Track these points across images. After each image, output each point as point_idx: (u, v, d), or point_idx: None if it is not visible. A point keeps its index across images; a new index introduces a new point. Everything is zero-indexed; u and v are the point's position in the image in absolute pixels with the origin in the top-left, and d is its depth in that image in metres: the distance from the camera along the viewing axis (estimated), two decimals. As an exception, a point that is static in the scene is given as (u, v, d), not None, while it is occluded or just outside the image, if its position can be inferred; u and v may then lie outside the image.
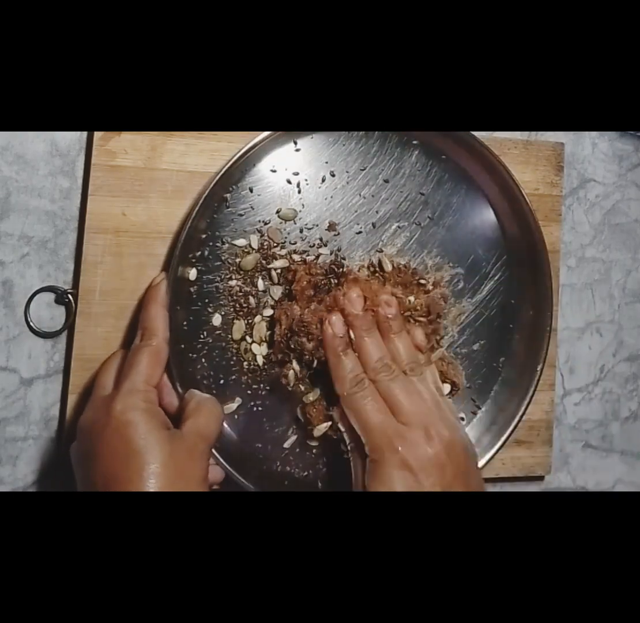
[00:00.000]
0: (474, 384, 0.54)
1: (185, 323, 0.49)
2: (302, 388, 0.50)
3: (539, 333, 0.54)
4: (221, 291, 0.50)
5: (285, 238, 0.51)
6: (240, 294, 0.50)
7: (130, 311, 0.49)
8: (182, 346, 0.48)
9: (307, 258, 0.51)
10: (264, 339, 0.50)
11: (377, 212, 0.52)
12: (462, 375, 0.53)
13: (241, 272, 0.50)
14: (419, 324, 0.50)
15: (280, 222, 0.51)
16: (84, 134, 0.50)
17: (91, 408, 0.44)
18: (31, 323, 0.49)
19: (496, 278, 0.54)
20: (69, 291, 0.49)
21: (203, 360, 0.49)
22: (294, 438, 0.51)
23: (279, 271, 0.50)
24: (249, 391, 0.50)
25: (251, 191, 0.50)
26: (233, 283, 0.50)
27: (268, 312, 0.50)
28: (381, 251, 0.52)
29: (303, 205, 0.51)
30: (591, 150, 0.61)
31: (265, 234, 0.50)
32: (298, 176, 0.51)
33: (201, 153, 0.50)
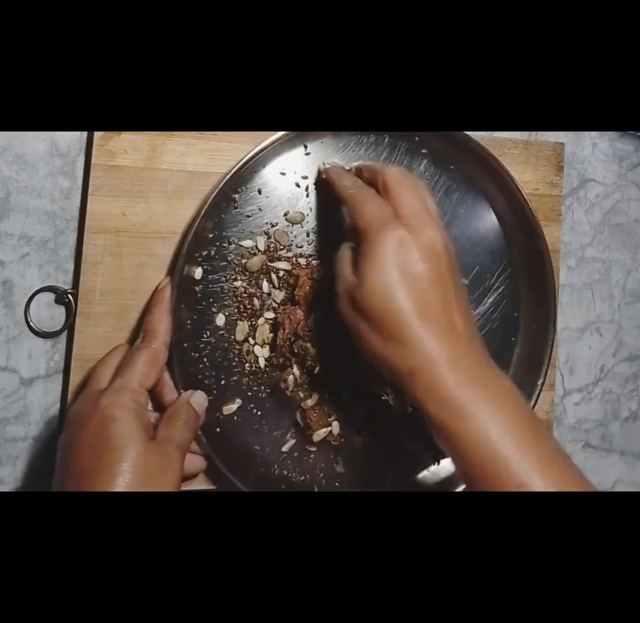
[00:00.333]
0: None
1: (188, 321, 0.49)
2: (301, 394, 0.50)
3: (541, 347, 0.53)
4: (226, 291, 0.50)
5: (292, 241, 0.51)
6: (245, 295, 0.50)
7: (130, 311, 0.49)
8: (185, 344, 0.48)
9: (313, 261, 0.51)
10: (266, 341, 0.50)
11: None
12: None
13: (246, 273, 0.50)
14: None
15: (288, 225, 0.51)
16: (84, 134, 0.50)
17: (81, 400, 0.44)
18: (31, 323, 0.49)
19: (500, 290, 0.54)
20: (69, 291, 0.49)
21: (205, 360, 0.49)
22: (292, 442, 0.51)
23: (280, 274, 0.50)
24: (249, 393, 0.50)
25: (260, 192, 0.50)
26: (238, 283, 0.50)
27: (270, 315, 0.50)
28: None
29: (311, 209, 0.51)
30: (591, 150, 0.61)
31: (272, 237, 0.50)
32: (307, 180, 0.51)
33: (201, 153, 0.50)
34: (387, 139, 0.52)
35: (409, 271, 0.40)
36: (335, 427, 0.51)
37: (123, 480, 0.39)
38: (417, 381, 0.40)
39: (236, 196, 0.49)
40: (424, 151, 0.53)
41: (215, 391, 0.49)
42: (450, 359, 0.40)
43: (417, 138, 0.52)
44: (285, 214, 0.50)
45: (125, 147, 0.49)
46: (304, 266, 0.50)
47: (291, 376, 0.49)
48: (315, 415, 0.50)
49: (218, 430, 0.49)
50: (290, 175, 0.51)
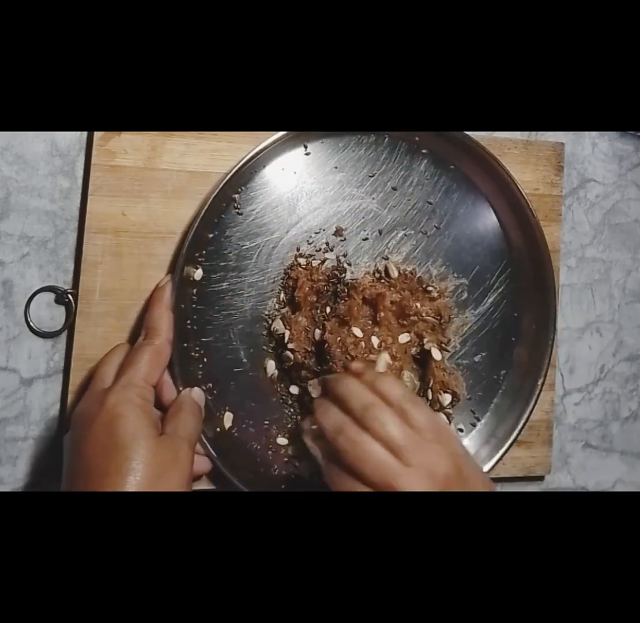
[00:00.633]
0: (475, 396, 0.54)
1: (188, 322, 0.49)
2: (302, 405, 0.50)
3: (541, 347, 0.53)
4: (226, 292, 0.50)
5: (292, 241, 0.51)
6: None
7: (130, 311, 0.49)
8: (185, 345, 0.48)
9: (313, 261, 0.51)
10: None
11: (384, 219, 0.52)
12: (463, 386, 0.53)
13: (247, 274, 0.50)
14: (428, 327, 0.50)
15: (289, 226, 0.51)
16: (84, 134, 0.50)
17: (86, 399, 0.44)
18: (31, 323, 0.49)
19: (500, 290, 0.54)
20: (69, 291, 0.49)
21: (205, 360, 0.49)
22: (293, 442, 0.51)
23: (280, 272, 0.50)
24: (250, 393, 0.50)
25: (260, 192, 0.50)
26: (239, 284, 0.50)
27: (277, 325, 0.50)
28: (387, 258, 0.52)
29: (311, 209, 0.51)
30: (591, 150, 0.61)
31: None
32: (307, 180, 0.51)
33: (201, 153, 0.50)
34: (387, 139, 0.52)
35: None
36: None
37: (134, 478, 0.39)
38: None
39: (236, 196, 0.49)
40: (424, 151, 0.53)
41: (215, 392, 0.49)
42: None
43: (417, 138, 0.52)
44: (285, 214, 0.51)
45: (125, 147, 0.49)
46: (304, 268, 0.50)
47: (316, 380, 0.49)
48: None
49: (218, 429, 0.49)
50: (290, 175, 0.51)
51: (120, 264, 0.49)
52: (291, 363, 0.49)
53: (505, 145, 0.56)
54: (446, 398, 0.51)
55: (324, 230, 0.51)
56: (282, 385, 0.51)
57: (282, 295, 0.50)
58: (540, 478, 0.59)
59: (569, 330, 0.61)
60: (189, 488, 0.42)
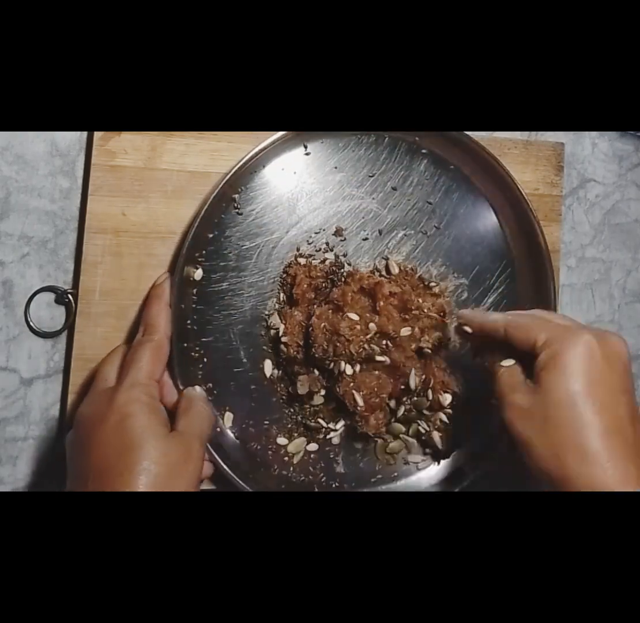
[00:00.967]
0: (474, 396, 0.54)
1: (188, 322, 0.49)
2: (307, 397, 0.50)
3: None
4: (226, 292, 0.50)
5: (292, 241, 0.51)
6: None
7: (130, 311, 0.49)
8: (185, 345, 0.48)
9: (312, 261, 0.51)
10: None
11: (384, 219, 0.52)
12: (462, 386, 0.52)
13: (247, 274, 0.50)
14: (430, 324, 0.50)
15: (288, 226, 0.51)
16: (84, 134, 0.50)
17: (91, 399, 0.44)
18: (31, 323, 0.49)
19: (500, 290, 0.54)
20: (69, 291, 0.49)
21: (205, 360, 0.49)
22: (293, 441, 0.51)
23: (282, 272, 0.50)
24: (250, 393, 0.50)
25: (260, 193, 0.50)
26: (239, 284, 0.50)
27: (274, 319, 0.50)
28: (387, 258, 0.52)
29: (310, 209, 0.51)
30: (591, 150, 0.61)
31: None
32: (306, 180, 0.51)
33: (201, 153, 0.50)
34: (387, 139, 0.52)
35: (599, 380, 0.39)
36: (341, 427, 0.51)
37: (147, 477, 0.39)
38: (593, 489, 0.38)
39: (236, 196, 0.49)
40: (424, 151, 0.53)
41: (215, 392, 0.49)
42: (633, 486, 0.37)
43: (417, 138, 0.52)
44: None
45: (125, 147, 0.49)
46: (302, 265, 0.50)
47: (305, 376, 0.49)
48: (326, 410, 0.50)
49: (218, 430, 0.49)
50: (290, 175, 0.51)
51: (120, 264, 0.49)
52: (285, 356, 0.49)
53: (505, 145, 0.56)
54: (446, 398, 0.51)
55: (324, 230, 0.51)
56: (282, 385, 0.51)
57: (281, 295, 0.50)
58: (540, 478, 0.59)
59: (569, 330, 0.61)
60: (199, 485, 0.43)
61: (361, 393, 0.48)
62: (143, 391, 0.42)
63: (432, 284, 0.52)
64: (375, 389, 0.48)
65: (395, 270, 0.51)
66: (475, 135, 0.52)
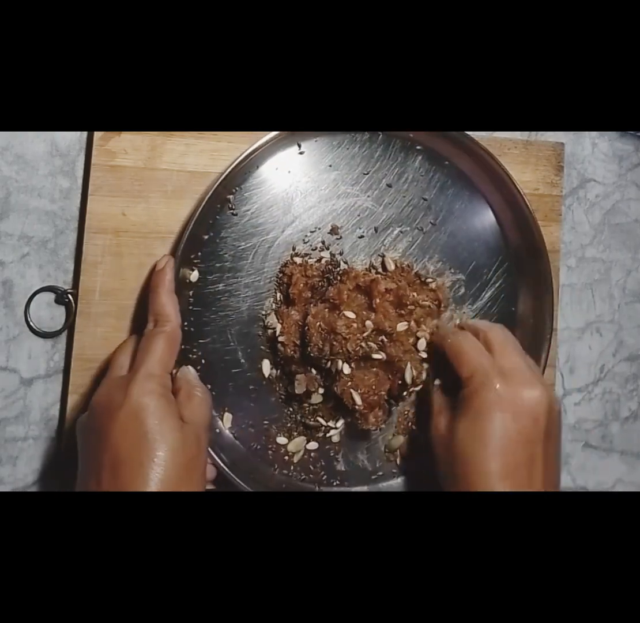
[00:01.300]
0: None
1: (185, 324, 0.49)
2: (304, 395, 0.50)
3: (539, 341, 0.53)
4: (223, 293, 0.50)
5: (288, 241, 0.51)
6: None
7: (130, 311, 0.49)
8: (183, 346, 0.48)
9: (308, 260, 0.51)
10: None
11: (379, 216, 0.52)
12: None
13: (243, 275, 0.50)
14: (425, 313, 0.50)
15: (284, 226, 0.50)
16: (84, 134, 0.50)
17: (107, 386, 0.44)
18: (31, 323, 0.49)
19: (497, 285, 0.54)
20: (69, 291, 0.49)
21: (203, 361, 0.49)
22: (293, 441, 0.51)
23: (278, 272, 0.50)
24: (249, 394, 0.50)
25: (254, 193, 0.50)
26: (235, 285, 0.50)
27: (271, 319, 0.50)
28: (383, 256, 0.52)
29: (306, 208, 0.51)
30: (591, 150, 0.61)
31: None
32: (301, 179, 0.51)
33: (201, 153, 0.50)
34: (381, 136, 0.52)
35: (503, 429, 0.43)
36: (340, 425, 0.51)
37: (166, 468, 0.39)
38: None
39: (231, 196, 0.49)
40: (418, 147, 0.53)
41: (214, 393, 0.49)
42: None
43: (411, 135, 0.52)
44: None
45: (125, 147, 0.49)
46: (298, 264, 0.50)
47: (303, 375, 0.49)
48: (325, 409, 0.50)
49: (218, 430, 0.49)
50: (284, 174, 0.51)
51: (120, 264, 0.49)
52: (282, 356, 0.49)
53: (505, 145, 0.56)
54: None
55: (319, 229, 0.51)
56: (281, 384, 0.51)
57: (278, 295, 0.50)
58: (540, 478, 0.59)
59: (569, 330, 0.61)
60: (205, 476, 0.44)
61: (359, 391, 0.48)
62: (158, 382, 0.42)
63: (429, 280, 0.52)
64: (373, 387, 0.48)
65: (391, 267, 0.51)
66: (475, 135, 0.52)
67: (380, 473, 0.53)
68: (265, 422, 0.51)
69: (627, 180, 0.62)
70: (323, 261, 0.51)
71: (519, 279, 0.54)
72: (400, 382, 0.50)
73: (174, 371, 0.46)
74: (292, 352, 0.49)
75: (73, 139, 0.50)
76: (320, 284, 0.50)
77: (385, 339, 0.48)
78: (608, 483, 0.62)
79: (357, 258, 0.52)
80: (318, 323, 0.47)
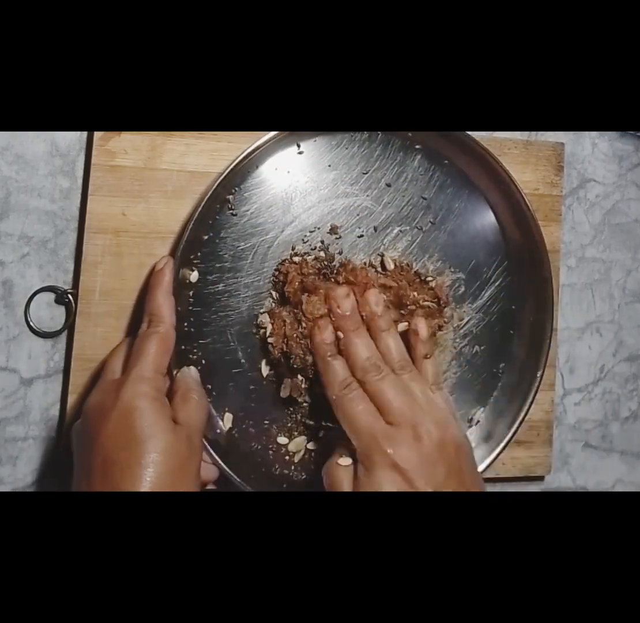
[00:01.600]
0: (474, 390, 0.54)
1: (185, 324, 0.49)
2: (302, 396, 0.50)
3: (540, 339, 0.53)
4: (223, 293, 0.50)
5: (287, 241, 0.51)
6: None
7: (130, 311, 0.49)
8: (183, 347, 0.48)
9: (306, 257, 0.50)
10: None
11: (379, 216, 0.52)
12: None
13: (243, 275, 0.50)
14: (425, 313, 0.50)
15: (283, 226, 0.50)
16: (84, 134, 0.50)
17: (99, 390, 0.44)
18: (31, 323, 0.49)
19: (497, 283, 0.54)
20: (69, 291, 0.49)
21: (203, 362, 0.49)
22: (293, 441, 0.51)
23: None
24: (250, 394, 0.50)
25: (253, 193, 0.50)
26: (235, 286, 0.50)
27: (264, 318, 0.50)
28: (382, 255, 0.52)
29: (305, 208, 0.51)
30: (591, 150, 0.61)
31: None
32: (300, 179, 0.51)
33: (201, 153, 0.50)
34: (380, 135, 0.52)
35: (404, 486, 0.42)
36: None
37: (155, 470, 0.39)
38: None
39: (230, 197, 0.49)
40: (417, 146, 0.53)
41: (214, 393, 0.49)
42: None
43: (410, 134, 0.52)
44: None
45: (125, 147, 0.49)
46: (296, 263, 0.50)
47: (289, 380, 0.49)
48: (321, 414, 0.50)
49: (218, 431, 0.49)
50: (283, 174, 0.50)
51: (120, 264, 0.49)
52: (272, 357, 0.49)
53: (505, 145, 0.56)
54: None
55: (319, 228, 0.51)
56: (276, 385, 0.51)
57: (274, 294, 0.50)
58: (541, 478, 0.59)
59: (569, 330, 0.61)
60: (200, 477, 0.43)
61: None
62: (150, 384, 0.42)
63: (429, 279, 0.52)
64: None
65: (391, 266, 0.51)
66: (476, 135, 0.52)
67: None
68: (266, 422, 0.51)
69: (627, 180, 0.63)
70: (318, 257, 0.50)
71: (519, 278, 0.54)
72: None
73: (175, 372, 0.46)
74: (280, 354, 0.49)
75: (73, 139, 0.50)
76: (313, 281, 0.50)
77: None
78: (608, 483, 0.62)
79: (356, 257, 0.52)
80: (295, 334, 0.47)
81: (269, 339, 0.48)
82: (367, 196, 0.52)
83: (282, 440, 0.51)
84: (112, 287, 0.49)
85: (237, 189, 0.50)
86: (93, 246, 0.48)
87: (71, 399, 0.48)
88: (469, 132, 0.51)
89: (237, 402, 0.50)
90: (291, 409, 0.51)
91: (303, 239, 0.51)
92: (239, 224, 0.50)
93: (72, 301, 0.49)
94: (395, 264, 0.51)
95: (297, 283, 0.49)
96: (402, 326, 0.49)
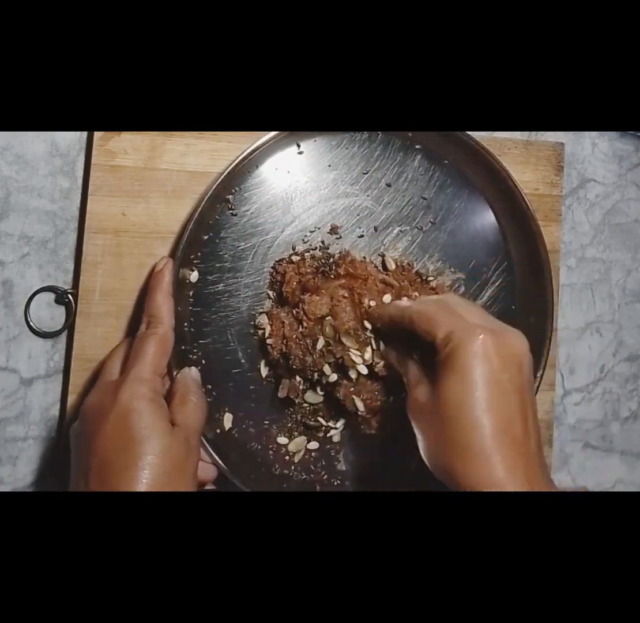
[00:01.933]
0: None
1: (185, 324, 0.49)
2: (301, 396, 0.50)
3: (540, 340, 0.53)
4: (223, 293, 0.50)
5: (288, 241, 0.51)
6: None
7: (130, 311, 0.49)
8: (183, 347, 0.48)
9: (306, 255, 0.50)
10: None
11: (379, 216, 0.52)
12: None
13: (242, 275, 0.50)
14: None
15: (284, 226, 0.50)
16: (84, 134, 0.50)
17: (97, 391, 0.44)
18: (31, 323, 0.49)
19: (497, 283, 0.54)
20: (69, 291, 0.49)
21: (203, 362, 0.49)
22: (293, 440, 0.51)
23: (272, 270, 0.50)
24: (250, 394, 0.50)
25: (254, 193, 0.50)
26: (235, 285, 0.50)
27: (262, 319, 0.50)
28: (383, 255, 0.52)
29: (305, 208, 0.51)
30: (591, 150, 0.61)
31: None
32: (300, 179, 0.51)
33: (201, 153, 0.50)
34: (380, 135, 0.52)
35: (490, 380, 0.39)
36: (341, 425, 0.51)
37: (151, 471, 0.39)
38: (477, 489, 0.38)
39: (230, 197, 0.49)
40: (417, 146, 0.53)
41: (214, 393, 0.49)
42: (521, 483, 0.38)
43: (410, 134, 0.52)
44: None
45: (125, 147, 0.49)
46: (294, 263, 0.50)
47: (287, 381, 0.49)
48: (321, 413, 0.50)
49: (218, 431, 0.49)
50: (283, 174, 0.51)
51: (120, 264, 0.49)
52: (271, 358, 0.49)
53: (505, 145, 0.56)
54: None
55: (319, 228, 0.51)
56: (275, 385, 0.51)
57: (271, 294, 0.50)
58: (540, 478, 0.59)
59: (569, 330, 0.61)
60: (197, 478, 0.43)
61: (361, 397, 0.48)
62: (148, 386, 0.42)
63: (430, 278, 0.52)
64: (376, 392, 0.48)
65: (391, 266, 0.51)
66: (476, 135, 0.52)
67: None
68: (266, 422, 0.51)
69: (627, 180, 0.63)
70: (315, 255, 0.50)
71: (519, 278, 0.54)
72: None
73: (176, 372, 0.46)
74: (279, 355, 0.48)
75: (73, 139, 0.50)
76: (313, 280, 0.49)
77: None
78: (608, 483, 0.62)
79: (357, 257, 0.52)
80: (294, 335, 0.47)
81: (268, 341, 0.48)
82: (368, 196, 0.52)
83: (282, 440, 0.51)
84: (112, 287, 0.49)
85: (237, 189, 0.50)
86: (93, 246, 0.48)
87: (71, 399, 0.48)
88: (469, 132, 0.51)
89: (237, 402, 0.50)
90: (291, 409, 0.51)
91: (303, 239, 0.51)
92: (239, 224, 0.50)
93: (72, 301, 0.49)
94: (396, 264, 0.51)
95: (294, 283, 0.49)
96: None
